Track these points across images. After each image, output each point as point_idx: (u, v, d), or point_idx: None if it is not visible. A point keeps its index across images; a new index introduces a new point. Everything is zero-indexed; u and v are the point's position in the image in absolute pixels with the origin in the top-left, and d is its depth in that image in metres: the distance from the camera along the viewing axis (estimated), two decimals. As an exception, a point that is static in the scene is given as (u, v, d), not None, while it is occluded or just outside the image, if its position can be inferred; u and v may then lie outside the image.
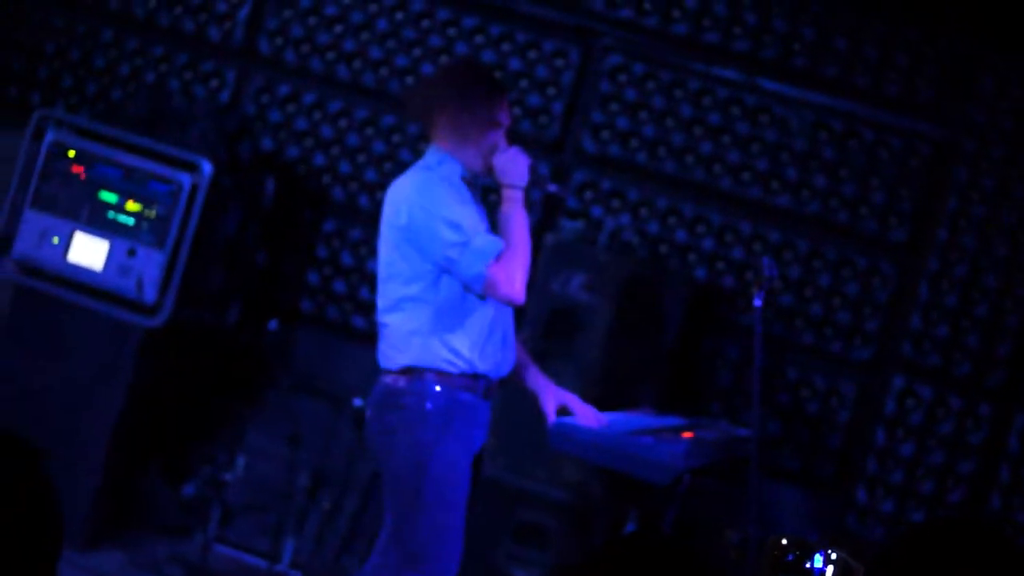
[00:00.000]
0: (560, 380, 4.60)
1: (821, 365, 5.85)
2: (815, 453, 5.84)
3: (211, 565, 5.74)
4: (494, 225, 4.18)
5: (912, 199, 5.79)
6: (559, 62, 6.05)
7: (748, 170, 5.91)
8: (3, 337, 5.69)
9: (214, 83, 6.30)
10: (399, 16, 6.18)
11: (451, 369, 4.10)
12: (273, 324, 5.99)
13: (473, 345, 4.12)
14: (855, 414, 5.82)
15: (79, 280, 5.57)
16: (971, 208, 5.71)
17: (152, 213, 5.51)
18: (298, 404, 6.01)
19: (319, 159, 6.23)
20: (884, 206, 5.81)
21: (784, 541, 4.49)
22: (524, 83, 6.06)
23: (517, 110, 5.94)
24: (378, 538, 4.25)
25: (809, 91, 5.87)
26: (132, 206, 5.53)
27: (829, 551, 4.41)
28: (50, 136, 5.61)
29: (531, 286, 4.27)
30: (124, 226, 5.54)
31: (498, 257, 4.02)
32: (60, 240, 5.57)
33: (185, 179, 5.49)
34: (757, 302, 4.45)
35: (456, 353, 4.10)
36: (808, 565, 4.43)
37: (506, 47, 6.09)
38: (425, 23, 6.16)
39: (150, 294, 5.48)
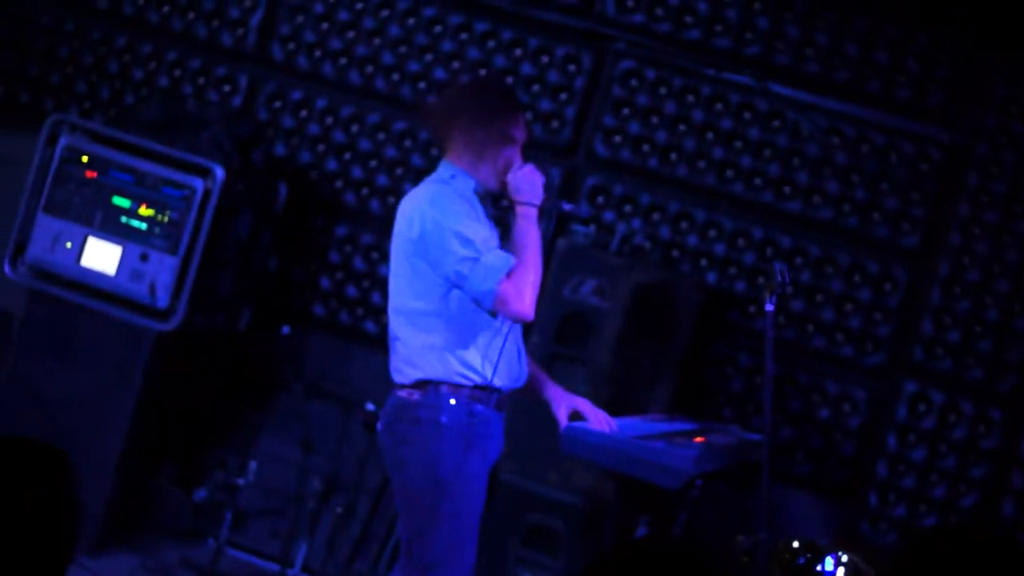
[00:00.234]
0: (571, 384, 4.60)
1: (833, 370, 5.85)
2: (827, 458, 5.83)
3: (223, 569, 5.74)
4: (504, 238, 4.17)
5: (924, 204, 5.78)
6: (571, 67, 6.05)
7: (760, 175, 5.91)
8: (16, 341, 5.71)
9: (227, 88, 6.32)
10: (411, 21, 6.19)
11: (465, 382, 4.08)
12: (286, 329, 5.99)
13: (486, 358, 4.09)
14: (867, 419, 5.81)
15: (92, 285, 5.58)
16: (983, 213, 5.70)
17: (165, 218, 5.53)
18: (310, 408, 6.01)
19: (331, 164, 6.24)
20: (896, 211, 5.80)
21: (795, 544, 4.49)
22: (536, 88, 6.07)
23: (529, 115, 5.94)
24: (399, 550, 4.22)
25: (821, 96, 5.87)
26: (145, 211, 5.55)
27: (840, 554, 4.41)
28: (63, 141, 5.63)
29: (542, 291, 4.26)
30: (137, 231, 5.55)
31: (509, 274, 3.99)
32: (73, 245, 5.58)
33: (198, 184, 5.51)
34: (769, 307, 4.46)
35: (469, 366, 4.08)
36: (819, 568, 4.43)
37: (518, 52, 6.10)
38: (437, 28, 6.17)
39: (163, 299, 5.49)
